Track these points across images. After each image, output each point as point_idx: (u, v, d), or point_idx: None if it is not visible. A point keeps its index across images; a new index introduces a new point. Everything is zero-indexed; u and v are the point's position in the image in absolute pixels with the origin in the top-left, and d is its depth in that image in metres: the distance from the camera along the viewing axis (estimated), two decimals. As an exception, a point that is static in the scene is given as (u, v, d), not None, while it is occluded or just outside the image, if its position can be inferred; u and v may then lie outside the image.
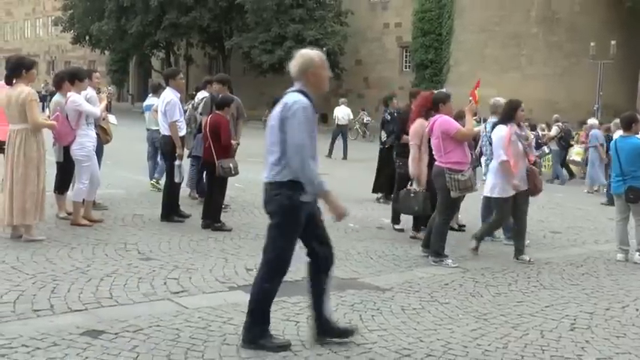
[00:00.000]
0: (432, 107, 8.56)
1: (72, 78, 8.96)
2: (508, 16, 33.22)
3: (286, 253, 4.89)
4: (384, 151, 13.31)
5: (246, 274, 6.96)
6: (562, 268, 8.42)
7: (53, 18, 60.14)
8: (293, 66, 4.87)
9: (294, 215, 4.82)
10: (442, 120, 8.21)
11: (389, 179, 13.03)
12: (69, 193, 9.31)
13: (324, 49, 38.19)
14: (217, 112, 9.55)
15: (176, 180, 9.61)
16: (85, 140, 8.81)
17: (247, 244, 8.45)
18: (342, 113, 24.34)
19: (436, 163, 8.28)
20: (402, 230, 10.02)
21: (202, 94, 11.21)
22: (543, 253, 9.36)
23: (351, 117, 25.97)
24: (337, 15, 42.83)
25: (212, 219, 9.26)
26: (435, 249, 8.16)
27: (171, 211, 9.66)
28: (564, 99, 31.89)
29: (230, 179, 9.71)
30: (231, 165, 9.23)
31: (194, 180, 11.56)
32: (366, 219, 11.03)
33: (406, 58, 42.15)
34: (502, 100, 10.02)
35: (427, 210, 8.73)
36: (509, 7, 33.15)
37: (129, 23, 45.87)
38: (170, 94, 9.67)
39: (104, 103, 9.75)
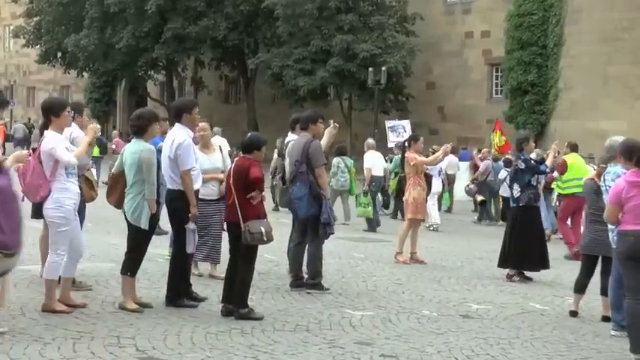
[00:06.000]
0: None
1: (46, 113, 9.04)
2: (641, 20, 32.85)
3: None
4: (517, 211, 13.08)
5: (286, 383, 7.01)
6: None
7: (12, 28, 61.37)
8: None
9: None
10: None
11: (525, 249, 12.85)
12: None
13: (384, 68, 38.08)
14: (245, 155, 9.63)
15: (188, 250, 9.73)
16: (63, 197, 8.75)
17: (284, 338, 8.52)
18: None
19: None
20: None
21: (291, 137, 11.58)
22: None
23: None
24: (401, 21, 42.98)
25: (236, 303, 9.34)
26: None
27: (180, 293, 9.78)
28: None
29: (260, 248, 9.71)
30: (262, 229, 9.19)
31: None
32: (445, 303, 11.02)
33: (497, 80, 42.21)
34: (620, 140, 9.80)
35: None
36: (644, 6, 32.77)
37: (117, 35, 46.54)
38: (182, 134, 9.78)
39: (90, 136, 9.28)
